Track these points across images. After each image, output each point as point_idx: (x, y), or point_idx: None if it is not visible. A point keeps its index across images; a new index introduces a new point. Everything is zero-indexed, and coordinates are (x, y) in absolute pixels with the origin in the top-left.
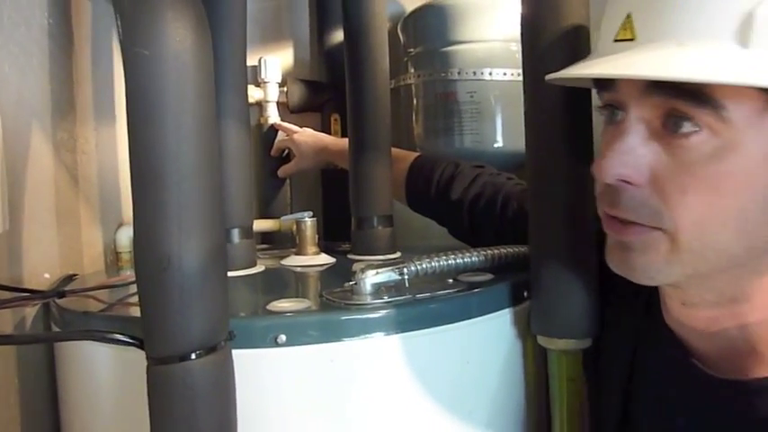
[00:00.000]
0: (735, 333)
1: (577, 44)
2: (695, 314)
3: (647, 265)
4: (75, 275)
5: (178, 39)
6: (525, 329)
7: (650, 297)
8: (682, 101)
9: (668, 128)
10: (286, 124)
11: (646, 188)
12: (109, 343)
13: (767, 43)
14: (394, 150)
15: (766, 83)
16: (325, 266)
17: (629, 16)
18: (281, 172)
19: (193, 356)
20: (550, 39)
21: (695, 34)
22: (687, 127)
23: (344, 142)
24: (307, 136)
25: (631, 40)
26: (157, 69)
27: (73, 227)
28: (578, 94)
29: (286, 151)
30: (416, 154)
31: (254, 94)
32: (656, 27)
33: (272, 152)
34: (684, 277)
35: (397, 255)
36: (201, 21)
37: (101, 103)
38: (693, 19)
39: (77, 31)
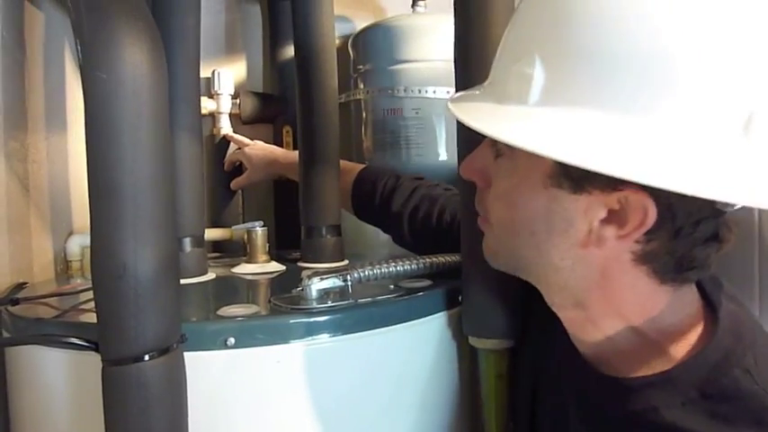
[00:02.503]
0: (599, 337)
1: None
2: (562, 315)
3: (486, 251)
4: (25, 284)
5: (134, 63)
6: (458, 331)
7: None
8: None
9: (493, 150)
10: (238, 136)
11: (483, 190)
12: (65, 347)
13: (524, 99)
14: (342, 162)
15: (512, 141)
16: (275, 274)
17: None
18: (234, 185)
19: (147, 358)
20: (476, 58)
21: (494, 85)
22: (499, 151)
23: (295, 155)
24: (258, 149)
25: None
26: (115, 91)
27: (23, 236)
28: None
29: (238, 163)
30: (363, 166)
31: (207, 105)
32: (492, 77)
33: (225, 166)
34: (516, 273)
35: (345, 263)
36: (156, 45)
37: (52, 112)
38: (495, 71)
39: (30, 41)
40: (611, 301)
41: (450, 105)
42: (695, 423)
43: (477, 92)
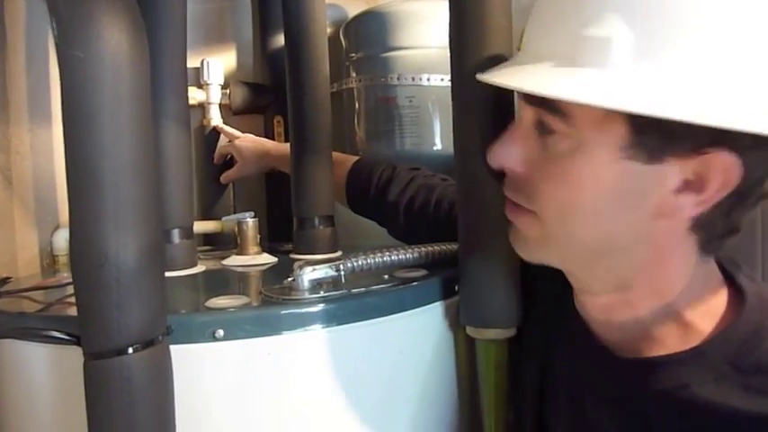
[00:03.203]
0: (629, 319)
1: (498, 49)
2: (592, 301)
3: (525, 243)
4: (8, 278)
5: (113, 41)
6: (456, 321)
7: (564, 285)
8: (542, 109)
9: (539, 129)
10: (228, 129)
11: (524, 176)
12: (46, 341)
13: (602, 62)
14: (335, 154)
15: (597, 102)
16: (266, 266)
17: (523, 31)
18: (224, 178)
19: (130, 350)
20: (474, 44)
21: (554, 55)
22: (548, 130)
23: (286, 147)
24: (248, 141)
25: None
26: (92, 71)
27: (6, 229)
28: (501, 97)
29: (229, 156)
30: (356, 158)
31: (196, 95)
32: (532, 44)
33: (215, 159)
34: (560, 260)
35: (339, 254)
36: (137, 23)
37: (36, 103)
38: (550, 41)
39: (11, 30)
40: (657, 279)
41: (499, 79)
42: (729, 397)
43: (514, 65)
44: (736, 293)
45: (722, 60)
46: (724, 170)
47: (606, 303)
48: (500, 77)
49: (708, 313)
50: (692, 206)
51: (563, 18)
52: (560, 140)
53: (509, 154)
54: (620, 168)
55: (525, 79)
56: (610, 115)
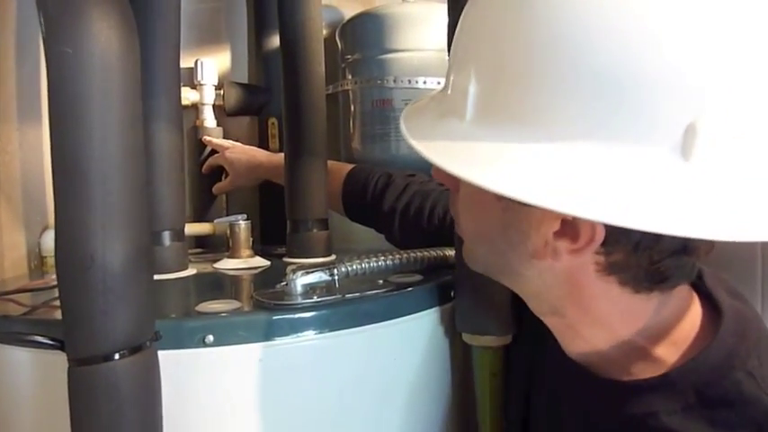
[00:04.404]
0: (580, 342)
1: None
2: (544, 320)
3: (464, 256)
4: None
5: (103, 37)
6: (451, 328)
7: None
8: None
9: None
10: (216, 141)
11: (455, 194)
12: (27, 346)
13: (461, 113)
14: (330, 163)
15: (446, 167)
16: (258, 269)
17: None
18: (216, 190)
19: (117, 356)
20: None
21: (441, 95)
22: None
23: (279, 158)
24: (239, 153)
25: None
26: (81, 67)
27: None
28: None
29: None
30: (351, 166)
31: (189, 96)
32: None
33: (204, 169)
34: (493, 277)
35: (333, 258)
36: (127, 19)
37: (25, 101)
38: (447, 91)
39: (0, 26)
40: (587, 311)
41: (403, 114)
42: (695, 430)
43: (432, 99)
44: (714, 315)
45: (553, 130)
46: (590, 225)
47: (554, 324)
48: (407, 117)
49: (673, 343)
50: (568, 253)
51: (450, 59)
52: None
53: (439, 172)
54: (502, 207)
55: (416, 123)
56: None
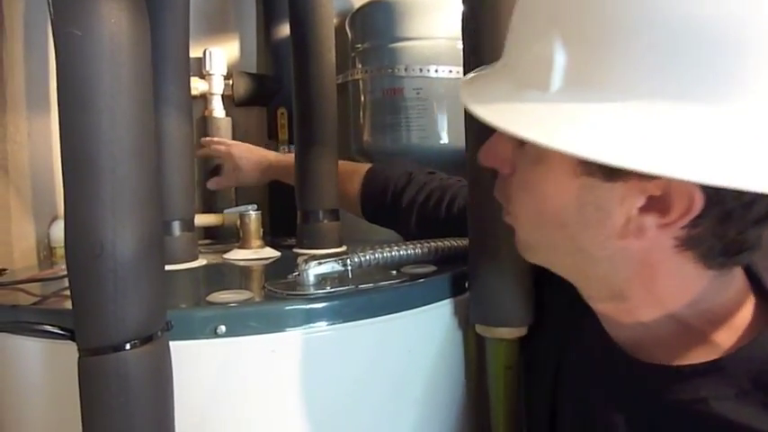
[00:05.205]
0: (636, 326)
1: None
2: (596, 306)
3: (518, 246)
4: (4, 270)
5: (113, 19)
6: (465, 319)
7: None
8: None
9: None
10: (216, 139)
11: (508, 179)
12: (37, 336)
13: (544, 85)
14: (343, 163)
15: (531, 137)
16: (269, 260)
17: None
18: (214, 184)
19: (128, 347)
20: (488, 36)
21: (513, 68)
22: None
23: (288, 159)
24: (246, 151)
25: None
26: (90, 51)
27: (2, 219)
28: None
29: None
30: (367, 166)
31: (198, 86)
32: (506, 56)
33: (198, 154)
34: (548, 266)
35: (343, 248)
36: (138, 2)
37: (34, 90)
38: (510, 52)
39: (9, 14)
40: (652, 291)
41: (463, 92)
42: (750, 417)
43: (491, 73)
44: (764, 302)
45: (663, 95)
46: (686, 193)
47: (608, 310)
48: (465, 89)
49: (728, 326)
50: (656, 228)
51: (517, 27)
52: (530, 148)
53: (494, 153)
54: (580, 184)
55: (483, 98)
56: None
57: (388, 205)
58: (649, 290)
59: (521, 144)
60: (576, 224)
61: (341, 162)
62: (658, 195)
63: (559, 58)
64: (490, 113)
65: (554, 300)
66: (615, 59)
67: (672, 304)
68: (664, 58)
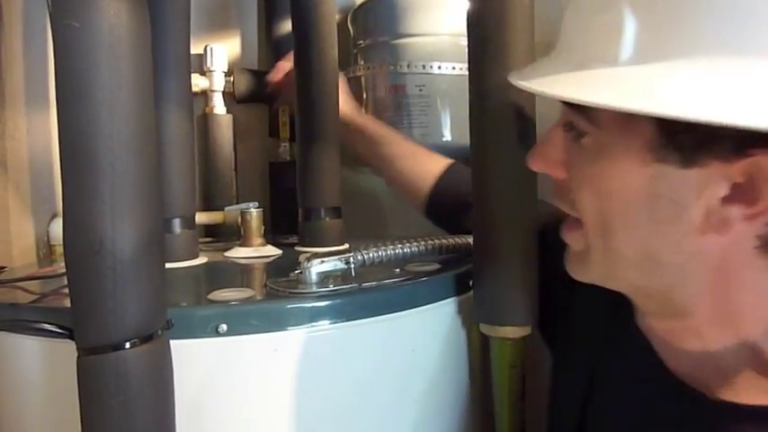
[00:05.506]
0: (697, 350)
1: (521, 40)
2: (654, 325)
3: (572, 260)
4: (3, 268)
5: (112, 11)
6: (469, 318)
7: (621, 298)
8: (569, 109)
9: (572, 131)
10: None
11: (567, 182)
12: (36, 334)
13: (612, 56)
14: (415, 148)
15: (604, 102)
16: (270, 258)
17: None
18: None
19: (128, 345)
20: (496, 34)
21: (570, 48)
22: (578, 131)
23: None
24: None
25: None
26: (89, 42)
27: (1, 217)
28: (523, 91)
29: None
30: (445, 162)
31: (198, 82)
32: (564, 41)
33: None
34: (608, 280)
35: (346, 246)
36: None
37: (33, 86)
38: (567, 33)
39: (7, 8)
40: (723, 306)
41: (513, 78)
42: None
43: (545, 61)
44: None
45: (748, 48)
46: None
47: (668, 328)
48: (516, 76)
49: None
50: (741, 220)
51: (582, 8)
52: (589, 142)
53: (547, 157)
54: (651, 173)
55: (542, 81)
56: (633, 114)
57: (457, 212)
58: (721, 304)
59: (576, 139)
60: (647, 223)
61: (412, 145)
62: (742, 182)
63: (629, 26)
64: (554, 87)
65: (588, 308)
66: (686, 20)
67: (747, 327)
68: (736, 13)
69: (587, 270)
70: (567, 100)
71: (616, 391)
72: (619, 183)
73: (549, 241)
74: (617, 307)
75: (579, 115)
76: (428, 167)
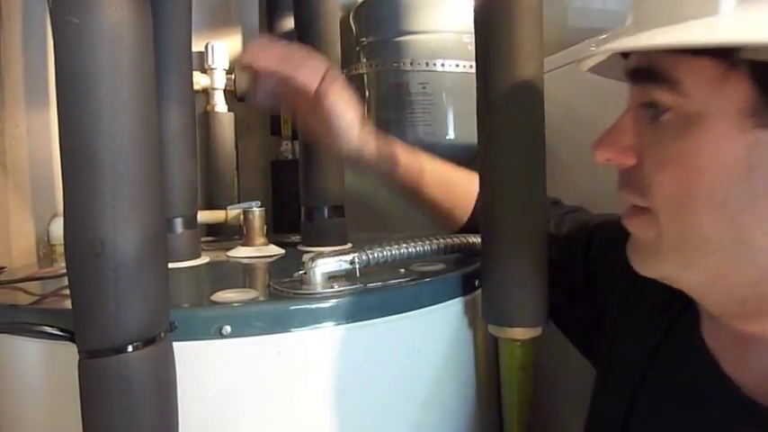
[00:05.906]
0: None
1: (529, 37)
2: (725, 330)
3: (639, 251)
4: (2, 268)
5: (113, 7)
6: (476, 318)
7: (679, 302)
8: (647, 83)
9: (648, 110)
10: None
11: (637, 168)
12: (36, 337)
13: (711, 10)
14: (451, 169)
15: (710, 39)
16: (273, 258)
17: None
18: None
19: (130, 349)
20: (502, 30)
21: (658, 17)
22: (658, 108)
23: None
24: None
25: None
26: (89, 39)
27: (1, 217)
28: (530, 86)
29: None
30: (471, 177)
31: (200, 80)
32: (642, 12)
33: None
34: (680, 272)
35: (349, 246)
36: None
37: (33, 85)
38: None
39: (7, 6)
40: None
41: (603, 46)
42: None
43: (620, 32)
44: None
45: None
46: None
47: (743, 334)
48: (597, 45)
49: None
50: None
51: None
52: (672, 118)
53: (616, 144)
54: (747, 141)
55: (623, 41)
56: (727, 73)
57: None
58: None
59: (654, 119)
60: (740, 199)
61: (448, 166)
62: None
63: None
64: (648, 39)
65: (643, 309)
66: None
67: None
68: None
69: (658, 262)
70: (677, 47)
71: (671, 402)
72: (710, 156)
73: (594, 248)
74: (671, 322)
75: (662, 88)
76: (471, 184)
